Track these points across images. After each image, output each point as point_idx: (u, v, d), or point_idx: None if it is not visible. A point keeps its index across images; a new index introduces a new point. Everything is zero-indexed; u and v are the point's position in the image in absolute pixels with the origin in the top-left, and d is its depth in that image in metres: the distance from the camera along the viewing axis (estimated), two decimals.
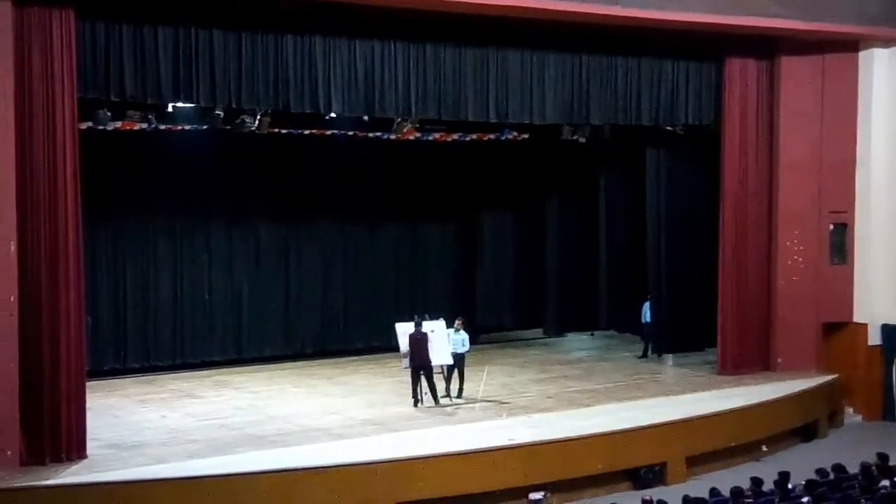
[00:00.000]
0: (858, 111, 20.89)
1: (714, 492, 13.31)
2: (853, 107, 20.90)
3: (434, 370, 18.12)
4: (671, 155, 22.62)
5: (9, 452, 14.22)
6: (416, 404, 18.00)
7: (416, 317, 18.62)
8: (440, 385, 18.28)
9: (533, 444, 15.82)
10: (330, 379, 20.82)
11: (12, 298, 14.29)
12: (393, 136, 21.24)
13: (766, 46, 20.59)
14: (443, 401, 18.18)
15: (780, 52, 20.66)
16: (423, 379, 17.97)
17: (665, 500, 13.02)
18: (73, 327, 14.81)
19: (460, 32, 18.22)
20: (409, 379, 18.42)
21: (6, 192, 14.25)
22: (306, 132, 21.07)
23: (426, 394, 18.03)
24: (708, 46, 20.28)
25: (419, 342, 17.94)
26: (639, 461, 16.50)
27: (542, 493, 15.50)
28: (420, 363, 17.95)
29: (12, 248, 14.31)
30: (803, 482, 13.28)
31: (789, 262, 20.86)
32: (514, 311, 25.67)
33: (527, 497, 15.39)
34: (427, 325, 18.28)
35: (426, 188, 23.72)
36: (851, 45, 20.77)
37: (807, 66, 20.73)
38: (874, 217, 20.91)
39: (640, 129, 21.27)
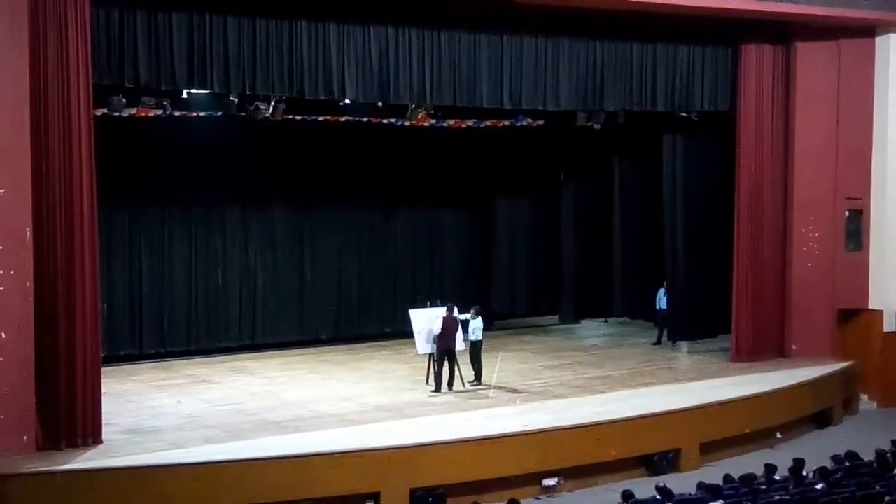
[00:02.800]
0: (875, 97, 20.80)
1: (727, 478, 13.32)
2: (869, 93, 20.80)
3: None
4: (686, 141, 22.56)
5: (25, 437, 14.30)
6: (438, 389, 18.03)
7: (438, 302, 18.76)
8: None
9: (547, 431, 15.84)
10: (344, 365, 20.86)
11: (28, 284, 14.35)
12: (407, 123, 21.23)
13: (782, 32, 20.49)
14: (457, 387, 18.23)
15: (796, 38, 20.56)
16: (445, 364, 18.07)
17: (679, 486, 13.04)
18: (89, 313, 14.86)
19: (475, 18, 18.20)
20: (424, 364, 18.49)
21: (22, 179, 14.28)
22: (321, 118, 21.08)
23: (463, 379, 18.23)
24: (723, 32, 20.20)
25: (452, 327, 18.00)
26: (652, 448, 16.51)
27: (556, 479, 15.62)
28: (449, 348, 18.02)
29: (28, 234, 14.36)
30: (817, 469, 13.28)
31: (804, 249, 20.81)
32: (528, 297, 25.67)
33: (540, 483, 15.51)
34: (436, 312, 18.34)
35: (440, 175, 23.68)
36: (868, 31, 20.66)
37: (823, 51, 20.64)
38: (890, 204, 20.82)
39: (654, 116, 21.22)
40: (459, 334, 18.36)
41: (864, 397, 20.90)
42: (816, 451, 15.93)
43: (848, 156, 20.81)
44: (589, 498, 15.02)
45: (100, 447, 14.70)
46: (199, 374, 19.87)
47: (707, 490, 12.46)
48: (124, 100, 17.77)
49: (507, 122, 23.25)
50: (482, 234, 25.06)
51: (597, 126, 21.87)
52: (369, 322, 23.34)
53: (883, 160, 20.78)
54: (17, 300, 14.22)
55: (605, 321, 25.89)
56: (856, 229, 21.03)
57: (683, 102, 20.39)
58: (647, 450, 16.49)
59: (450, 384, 18.15)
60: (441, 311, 18.31)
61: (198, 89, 17.35)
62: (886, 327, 20.75)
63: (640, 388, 18.58)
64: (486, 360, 18.78)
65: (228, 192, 21.57)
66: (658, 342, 22.92)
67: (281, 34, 16.74)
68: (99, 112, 16.52)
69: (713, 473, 14.79)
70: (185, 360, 20.87)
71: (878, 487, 12.37)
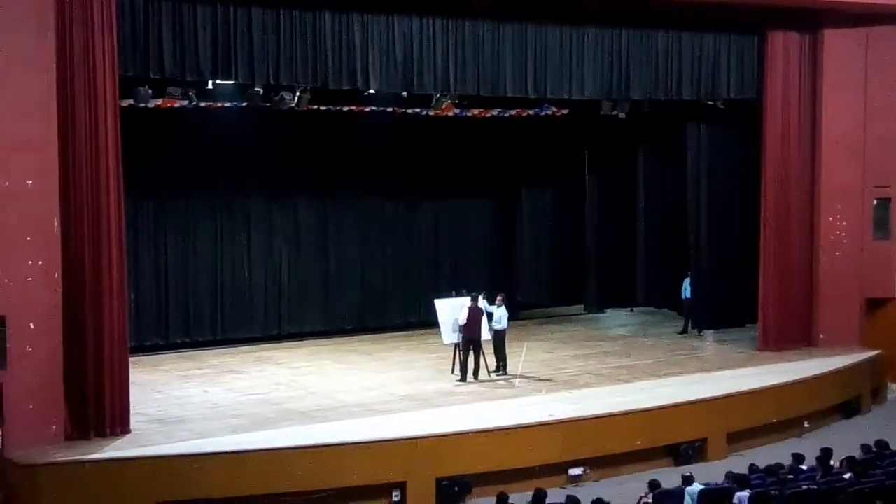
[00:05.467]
0: None
1: (753, 468, 13.29)
2: None
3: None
4: (712, 130, 22.46)
5: (53, 427, 14.41)
6: (464, 378, 18.04)
7: (464, 291, 18.84)
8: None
9: (573, 420, 15.83)
10: (369, 355, 20.90)
11: (56, 275, 14.44)
12: (432, 113, 21.23)
13: (809, 19, 20.33)
14: (482, 376, 18.23)
15: (824, 25, 20.38)
16: (470, 353, 18.08)
17: (706, 476, 13.02)
18: (116, 303, 14.94)
19: (499, 8, 18.17)
20: (448, 353, 18.50)
21: (49, 170, 14.37)
22: (345, 109, 21.09)
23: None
24: (750, 20, 20.07)
25: (477, 317, 18.02)
26: (679, 437, 16.47)
27: (582, 468, 15.60)
28: (475, 337, 18.02)
29: (56, 225, 14.45)
30: (845, 458, 13.22)
31: (832, 238, 20.66)
32: (553, 287, 25.62)
33: (566, 473, 15.50)
34: (461, 301, 18.36)
35: (465, 164, 23.64)
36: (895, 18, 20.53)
37: (851, 39, 20.45)
38: None
39: (680, 104, 21.11)
40: (485, 324, 18.36)
41: (893, 386, 20.78)
42: (844, 440, 15.86)
43: (876, 144, 20.63)
44: (615, 487, 14.97)
45: (128, 437, 14.80)
46: (225, 364, 19.95)
47: (735, 480, 12.43)
48: (150, 91, 17.84)
49: (531, 112, 23.20)
50: (507, 223, 25.02)
51: (622, 115, 21.81)
52: (394, 312, 23.37)
53: None
54: (44, 291, 14.31)
55: (631, 310, 25.82)
56: (884, 218, 20.87)
57: (709, 91, 20.29)
58: (673, 439, 16.44)
59: (475, 374, 18.16)
60: (466, 301, 18.31)
61: (223, 80, 17.37)
62: None
63: (667, 378, 18.53)
64: (511, 349, 18.77)
65: (253, 182, 21.60)
66: (684, 331, 22.83)
67: (305, 25, 16.75)
68: (125, 103, 16.59)
69: (740, 463, 14.77)
70: (211, 351, 20.95)
71: None
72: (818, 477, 12.76)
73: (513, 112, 23.06)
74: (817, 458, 13.34)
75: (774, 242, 20.49)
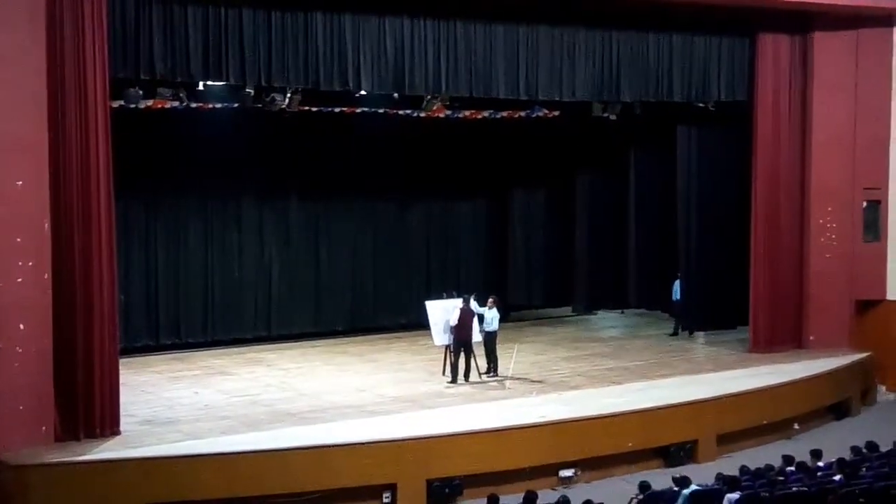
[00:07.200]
0: (893, 87, 20.63)
1: (744, 469, 13.31)
2: (888, 83, 20.65)
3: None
4: (702, 131, 22.50)
5: (43, 428, 14.35)
6: (454, 380, 18.04)
7: (454, 293, 18.88)
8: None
9: (563, 422, 15.83)
10: (360, 356, 20.89)
11: (46, 276, 14.39)
12: (423, 114, 21.24)
13: (800, 22, 20.39)
14: (472, 378, 18.23)
15: (814, 28, 20.44)
16: (461, 355, 18.08)
17: (696, 477, 13.02)
18: (107, 304, 14.90)
19: (490, 9, 18.16)
20: (439, 355, 18.50)
21: (39, 172, 14.32)
22: (336, 110, 21.08)
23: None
24: (740, 22, 20.11)
25: (468, 319, 18.03)
26: (669, 439, 16.47)
27: (573, 470, 15.62)
28: (465, 339, 18.02)
29: (46, 226, 14.41)
30: (835, 460, 13.25)
31: (822, 240, 20.72)
32: (543, 288, 25.64)
33: (557, 474, 15.51)
34: (452, 303, 18.36)
35: (456, 166, 23.66)
36: (886, 20, 20.53)
37: (841, 41, 20.51)
38: None
39: (671, 106, 21.14)
40: (476, 325, 18.37)
41: (882, 388, 20.81)
42: (834, 442, 15.91)
43: (866, 146, 20.69)
44: (606, 489, 14.99)
45: (118, 438, 14.75)
46: (215, 365, 19.92)
47: (725, 482, 12.44)
48: (141, 92, 17.82)
49: (522, 113, 23.22)
50: (498, 225, 25.04)
51: (613, 117, 21.85)
52: (385, 313, 23.37)
53: None
54: (35, 292, 14.27)
55: (622, 312, 25.85)
56: (874, 220, 20.92)
57: (700, 93, 20.32)
58: (664, 441, 16.45)
59: (466, 375, 18.17)
60: (457, 303, 18.33)
61: (213, 81, 17.36)
62: None
63: (657, 379, 18.55)
64: (501, 351, 18.77)
65: (244, 183, 21.61)
66: (675, 333, 22.88)
67: (296, 25, 16.73)
68: (116, 104, 16.56)
69: (730, 464, 14.78)
70: (201, 352, 20.92)
71: None
72: (807, 479, 12.78)
73: (504, 114, 23.08)
74: (797, 462, 13.35)
75: (765, 244, 20.54)
